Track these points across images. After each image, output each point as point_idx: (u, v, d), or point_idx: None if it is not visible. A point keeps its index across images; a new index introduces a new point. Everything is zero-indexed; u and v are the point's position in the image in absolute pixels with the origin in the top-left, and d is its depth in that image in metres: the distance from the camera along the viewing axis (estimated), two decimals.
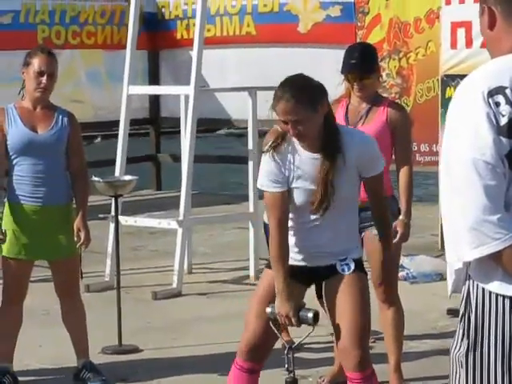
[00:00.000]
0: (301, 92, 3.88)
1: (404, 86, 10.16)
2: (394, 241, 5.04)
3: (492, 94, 2.54)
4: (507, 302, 2.55)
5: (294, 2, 11.52)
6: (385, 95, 9.96)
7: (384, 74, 10.43)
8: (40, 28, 11.32)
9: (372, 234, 5.20)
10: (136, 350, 5.56)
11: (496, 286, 2.57)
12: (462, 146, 2.54)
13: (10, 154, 4.82)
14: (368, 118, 5.29)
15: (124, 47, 8.53)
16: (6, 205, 4.89)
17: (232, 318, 6.22)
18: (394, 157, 5.16)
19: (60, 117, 4.89)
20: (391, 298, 5.39)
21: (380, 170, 4.29)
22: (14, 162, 4.82)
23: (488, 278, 2.58)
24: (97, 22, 11.98)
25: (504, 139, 2.51)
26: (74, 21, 11.79)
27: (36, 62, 4.83)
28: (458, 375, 2.70)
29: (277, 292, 4.02)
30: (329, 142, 4.01)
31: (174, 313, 6.47)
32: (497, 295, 2.57)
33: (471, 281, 2.60)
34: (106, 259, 7.14)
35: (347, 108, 5.34)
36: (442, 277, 7.25)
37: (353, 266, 4.17)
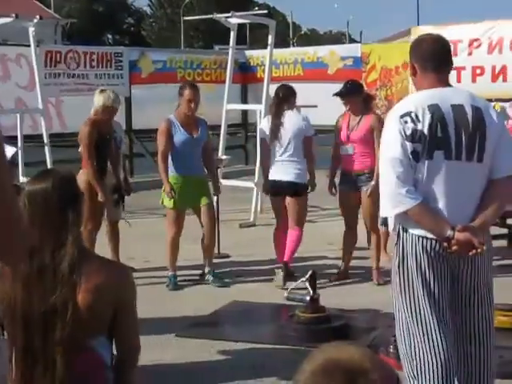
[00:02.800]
0: None
1: (389, 106, 11.89)
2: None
3: (402, 116, 3.12)
4: (417, 237, 3.16)
5: (325, 55, 14.07)
6: (377, 111, 10.43)
7: (377, 99, 12.54)
8: (178, 71, 14.36)
9: (363, 190, 6.73)
10: None
11: (412, 230, 3.19)
12: (385, 148, 3.19)
13: None
14: (359, 125, 6.71)
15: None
16: None
17: None
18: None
19: None
20: (373, 229, 7.17)
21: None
22: None
23: (408, 225, 3.20)
24: (212, 67, 14.93)
25: (408, 143, 3.08)
26: (199, 66, 14.76)
27: None
28: (394, 279, 3.31)
29: None
30: None
31: None
32: (412, 234, 3.21)
33: (400, 225, 3.28)
34: None
35: (349, 118, 6.80)
36: None
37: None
